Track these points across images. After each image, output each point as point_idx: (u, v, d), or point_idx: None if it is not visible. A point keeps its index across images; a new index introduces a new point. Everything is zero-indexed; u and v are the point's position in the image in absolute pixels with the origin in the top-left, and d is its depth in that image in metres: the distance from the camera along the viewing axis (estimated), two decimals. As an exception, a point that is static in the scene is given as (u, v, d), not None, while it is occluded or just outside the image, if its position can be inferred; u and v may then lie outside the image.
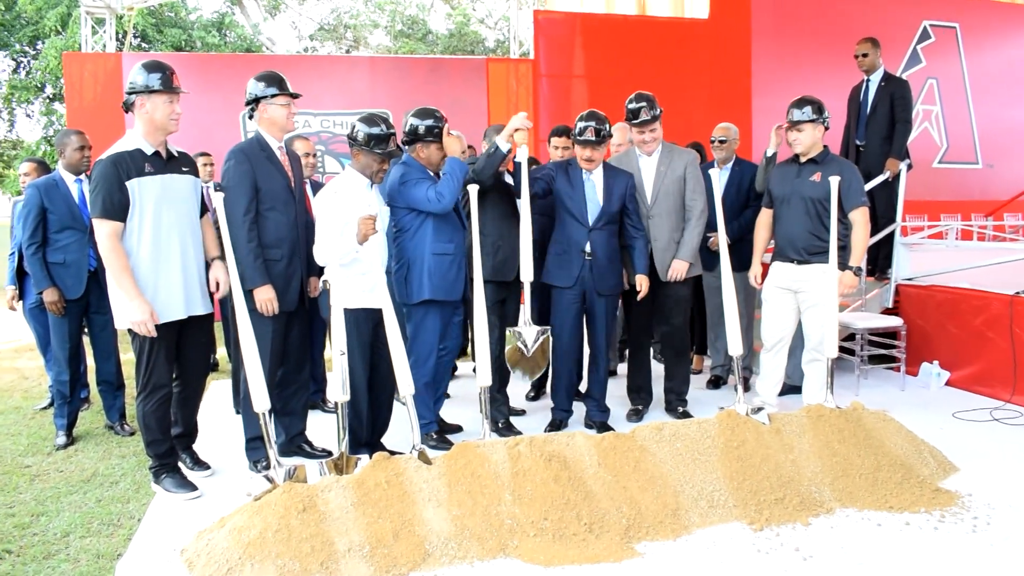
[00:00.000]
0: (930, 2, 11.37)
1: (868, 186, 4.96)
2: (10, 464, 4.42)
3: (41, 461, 4.48)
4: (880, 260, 6.42)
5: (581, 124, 4.55)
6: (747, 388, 5.48)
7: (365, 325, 4.06)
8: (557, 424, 4.84)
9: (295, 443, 4.38)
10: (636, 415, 5.04)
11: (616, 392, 5.33)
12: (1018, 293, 5.36)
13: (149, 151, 3.71)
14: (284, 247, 4.04)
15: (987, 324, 5.52)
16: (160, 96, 3.69)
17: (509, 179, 4.67)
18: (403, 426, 3.70)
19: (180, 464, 4.01)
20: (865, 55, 6.31)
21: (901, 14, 11.08)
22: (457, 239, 4.39)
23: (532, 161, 4.95)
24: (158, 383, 3.78)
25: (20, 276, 5.26)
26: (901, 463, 3.80)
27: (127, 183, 3.61)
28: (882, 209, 6.16)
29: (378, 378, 4.20)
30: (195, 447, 4.23)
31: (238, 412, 4.83)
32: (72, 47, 14.36)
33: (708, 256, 5.30)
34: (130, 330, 3.70)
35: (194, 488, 3.84)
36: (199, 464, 4.16)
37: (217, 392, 5.86)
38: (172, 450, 3.94)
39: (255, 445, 4.11)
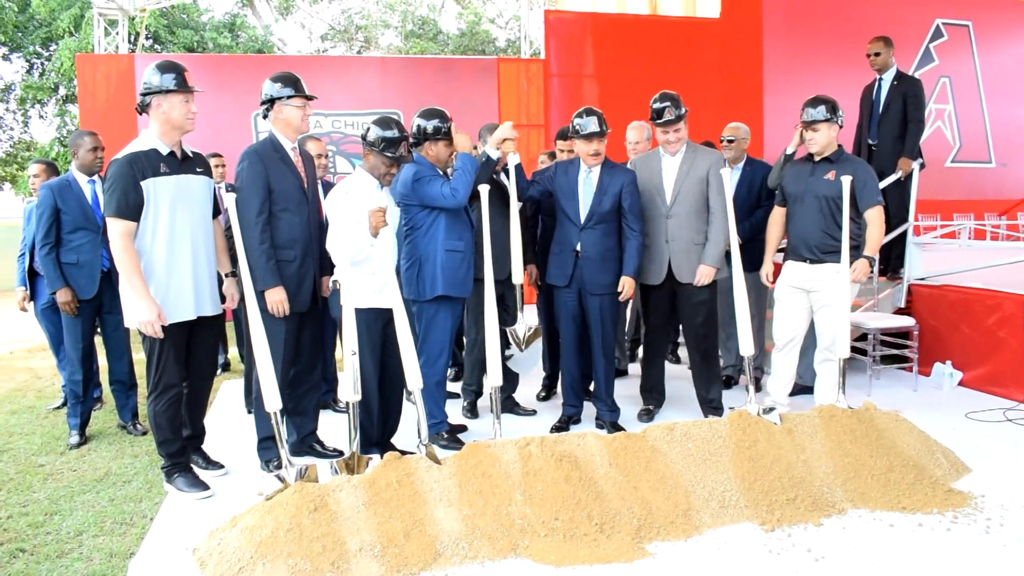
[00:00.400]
0: (943, 0, 11.32)
1: (880, 185, 4.92)
2: (24, 463, 4.45)
3: (54, 460, 4.51)
4: (892, 260, 6.39)
5: (582, 120, 4.56)
6: (758, 388, 5.47)
7: (375, 325, 4.07)
8: (566, 420, 4.85)
9: (306, 443, 4.39)
10: (647, 415, 5.02)
11: (625, 392, 5.33)
12: (1032, 293, 5.32)
13: (164, 151, 3.74)
14: (297, 248, 4.05)
15: (1000, 324, 5.49)
16: (176, 96, 3.71)
17: (505, 179, 4.69)
18: (414, 426, 3.71)
19: (192, 464, 4.03)
20: (878, 54, 6.27)
21: (913, 12, 11.04)
22: (467, 237, 4.42)
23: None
24: (169, 383, 3.79)
25: (31, 277, 5.31)
26: (914, 464, 3.78)
27: (142, 183, 3.63)
28: (894, 209, 6.13)
29: (389, 378, 4.21)
30: (207, 447, 4.25)
31: (250, 412, 4.86)
32: (85, 48, 14.42)
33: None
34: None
35: (206, 487, 3.86)
36: (212, 464, 4.17)
37: (229, 392, 5.89)
38: (184, 449, 3.96)
39: (267, 445, 4.12)
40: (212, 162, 5.89)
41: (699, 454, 3.64)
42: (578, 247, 4.62)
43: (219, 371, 6.37)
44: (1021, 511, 3.50)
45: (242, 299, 3.83)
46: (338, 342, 5.31)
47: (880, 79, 6.33)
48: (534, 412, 5.22)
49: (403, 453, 3.48)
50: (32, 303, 5.39)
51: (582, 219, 4.62)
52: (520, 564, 3.06)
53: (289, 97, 4.03)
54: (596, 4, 13.23)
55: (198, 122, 3.86)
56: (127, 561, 3.20)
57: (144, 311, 3.60)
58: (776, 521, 3.38)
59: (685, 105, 4.66)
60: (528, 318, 4.67)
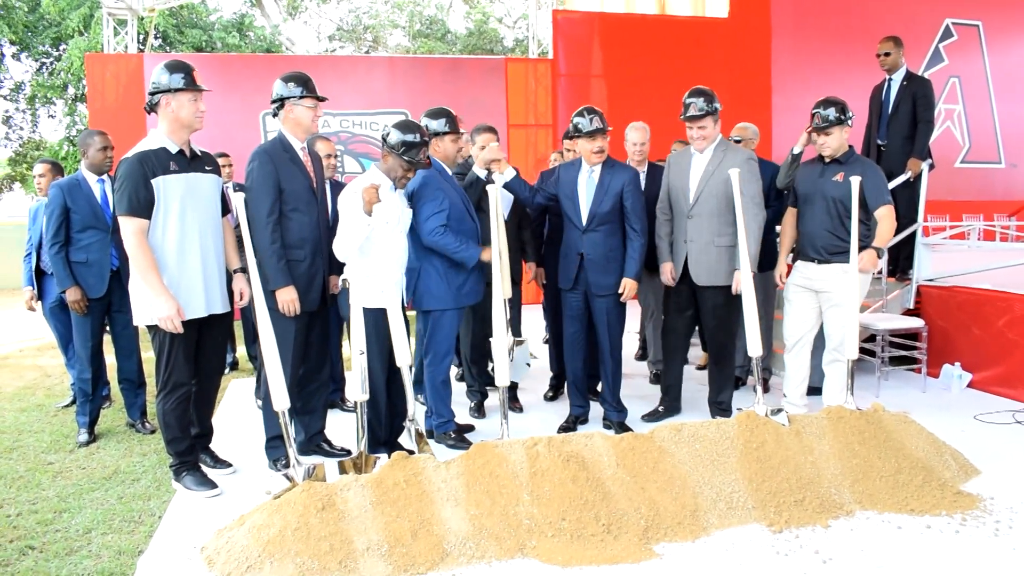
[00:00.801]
0: (953, 0, 11.28)
1: (890, 186, 4.91)
2: (33, 461, 4.47)
3: (64, 458, 4.53)
4: (901, 261, 6.37)
5: (583, 119, 4.56)
6: (767, 389, 5.47)
7: (384, 324, 4.08)
8: (573, 420, 4.86)
9: (314, 442, 4.39)
10: (653, 416, 5.01)
11: (631, 393, 5.32)
12: (1042, 294, 5.30)
13: (174, 150, 3.75)
14: (307, 247, 4.06)
15: (1010, 325, 5.46)
16: (185, 94, 3.73)
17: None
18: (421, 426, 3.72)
19: (200, 462, 4.04)
20: (887, 54, 6.24)
21: (923, 12, 11.00)
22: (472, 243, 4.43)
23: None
24: (178, 381, 3.80)
25: (38, 277, 5.33)
26: (922, 465, 3.76)
27: (152, 181, 3.64)
28: (904, 209, 6.09)
29: (396, 378, 4.21)
30: (215, 445, 4.26)
31: (258, 400, 4.87)
32: (94, 48, 14.50)
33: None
34: (150, 328, 3.74)
35: (214, 486, 3.87)
36: (220, 462, 4.19)
37: (237, 391, 5.90)
38: (192, 448, 3.97)
39: (275, 444, 4.13)
40: (220, 162, 5.93)
41: (707, 455, 3.63)
42: (582, 250, 4.63)
43: (227, 370, 6.39)
44: (1030, 514, 3.49)
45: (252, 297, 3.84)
46: (345, 341, 5.33)
47: (890, 79, 6.30)
48: (520, 409, 5.29)
49: (411, 453, 3.48)
50: (40, 302, 5.42)
51: (584, 222, 4.62)
52: (527, 564, 3.06)
53: (300, 97, 4.03)
54: (604, 4, 13.23)
55: (206, 121, 3.88)
56: (136, 559, 3.21)
57: (163, 307, 3.61)
58: (784, 522, 3.37)
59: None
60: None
